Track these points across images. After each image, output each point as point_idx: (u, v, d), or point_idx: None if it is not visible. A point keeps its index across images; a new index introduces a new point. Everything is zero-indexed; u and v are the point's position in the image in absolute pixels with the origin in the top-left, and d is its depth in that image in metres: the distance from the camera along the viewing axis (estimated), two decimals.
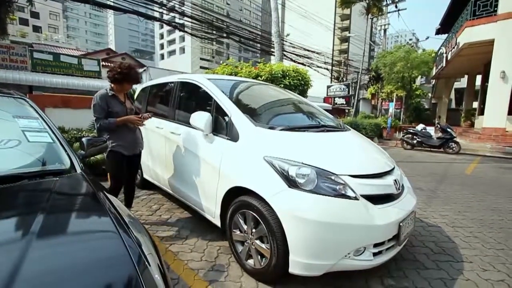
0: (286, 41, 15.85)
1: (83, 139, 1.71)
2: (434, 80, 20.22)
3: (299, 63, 14.71)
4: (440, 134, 9.14)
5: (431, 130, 9.57)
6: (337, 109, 19.41)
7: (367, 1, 14.36)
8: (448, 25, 15.26)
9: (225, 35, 11.99)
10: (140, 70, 16.64)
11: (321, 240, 1.57)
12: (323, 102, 24.42)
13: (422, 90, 21.90)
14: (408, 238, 2.02)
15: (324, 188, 1.64)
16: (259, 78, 5.29)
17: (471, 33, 10.39)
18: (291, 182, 1.65)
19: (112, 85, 2.35)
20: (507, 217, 3.25)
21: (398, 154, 8.77)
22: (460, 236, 2.69)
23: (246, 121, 2.03)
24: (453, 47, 12.12)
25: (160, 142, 3.03)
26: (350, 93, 18.28)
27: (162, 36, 62.82)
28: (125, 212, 1.16)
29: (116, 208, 1.12)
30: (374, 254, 1.69)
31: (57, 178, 1.24)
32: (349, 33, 34.44)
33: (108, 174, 2.45)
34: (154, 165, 3.25)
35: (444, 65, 14.13)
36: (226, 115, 2.16)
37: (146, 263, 0.84)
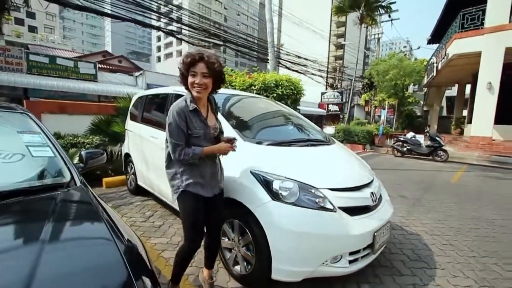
0: (282, 50, 16.14)
1: (82, 153, 1.84)
2: (426, 88, 20.69)
3: (294, 70, 14.99)
4: (429, 142, 9.41)
5: (420, 138, 9.83)
6: (331, 115, 19.72)
7: (360, 11, 14.74)
8: (438, 35, 15.72)
9: (221, 42, 12.16)
10: (136, 74, 16.73)
11: (301, 248, 1.72)
12: (318, 108, 24.79)
13: (415, 98, 22.40)
14: (384, 246, 2.18)
15: (305, 201, 1.79)
16: (253, 87, 5.46)
17: (460, 45, 10.76)
18: (274, 195, 1.79)
19: (193, 94, 1.55)
20: (484, 225, 3.44)
21: (389, 161, 9.00)
22: (437, 244, 2.86)
23: (236, 136, 2.17)
24: (443, 58, 12.50)
25: (155, 151, 3.15)
26: (344, 100, 18.59)
27: (159, 39, 63.00)
28: (119, 221, 1.29)
29: (112, 217, 1.25)
30: (350, 262, 1.84)
31: (59, 192, 1.37)
32: (345, 40, 35.04)
33: (182, 225, 1.71)
34: (148, 172, 3.37)
35: (435, 74, 14.53)
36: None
37: (139, 268, 0.97)
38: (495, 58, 9.85)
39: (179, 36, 11.65)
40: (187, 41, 10.82)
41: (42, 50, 19.91)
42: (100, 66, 16.62)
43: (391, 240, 2.87)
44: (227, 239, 2.11)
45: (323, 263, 1.75)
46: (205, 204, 1.67)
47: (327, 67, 25.80)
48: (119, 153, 5.02)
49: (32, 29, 41.62)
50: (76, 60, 14.96)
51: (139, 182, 3.73)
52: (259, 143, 2.16)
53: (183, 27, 12.28)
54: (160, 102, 3.41)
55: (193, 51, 1.51)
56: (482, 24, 10.39)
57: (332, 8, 16.87)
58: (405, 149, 9.77)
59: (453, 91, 20.31)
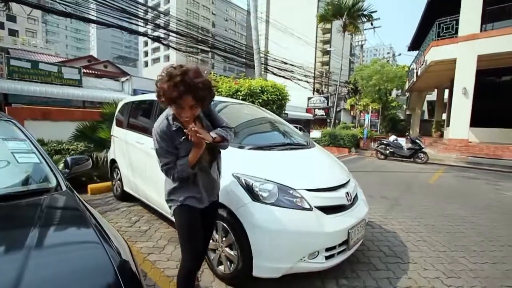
0: (268, 56, 16.44)
1: (68, 159, 1.89)
2: (408, 93, 21.51)
3: (280, 76, 15.28)
4: (410, 145, 9.80)
5: (402, 141, 10.22)
6: (318, 120, 20.13)
7: (343, 20, 15.27)
8: (418, 43, 16.47)
9: (208, 49, 12.28)
10: (123, 79, 16.56)
11: (280, 246, 1.83)
12: (305, 112, 25.23)
13: (398, 102, 23.17)
14: (359, 242, 2.32)
15: (283, 201, 1.91)
16: (239, 93, 5.59)
17: (437, 52, 11.34)
18: (255, 196, 1.90)
19: (172, 110, 1.40)
20: (456, 222, 3.66)
21: (372, 164, 9.30)
22: (412, 241, 3.04)
23: None
24: (422, 64, 13.11)
25: (141, 157, 3.21)
26: (329, 104, 19.05)
27: (146, 44, 62.40)
28: (106, 224, 1.35)
29: (98, 221, 1.31)
30: (327, 257, 1.96)
31: (45, 196, 1.42)
32: (330, 46, 35.96)
33: (180, 243, 1.59)
34: (135, 177, 3.40)
35: (415, 79, 15.18)
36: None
37: (126, 270, 1.02)
38: (469, 64, 10.44)
39: (165, 42, 11.66)
40: (174, 48, 10.85)
41: (23, 54, 19.37)
42: (85, 71, 16.34)
43: (369, 238, 3.03)
44: (211, 240, 2.19)
45: (301, 259, 1.86)
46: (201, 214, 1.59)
47: (314, 73, 26.38)
48: (105, 159, 4.99)
49: (13, 32, 40.32)
50: (60, 65, 14.68)
51: (125, 188, 3.74)
52: (241, 147, 2.28)
53: (171, 33, 12.33)
54: (146, 108, 3.47)
55: (173, 71, 1.31)
56: (456, 32, 11.01)
57: (316, 16, 17.37)
58: (387, 152, 10.12)
59: (433, 96, 21.19)
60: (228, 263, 2.06)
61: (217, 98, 3.92)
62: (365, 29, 20.76)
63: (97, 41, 70.07)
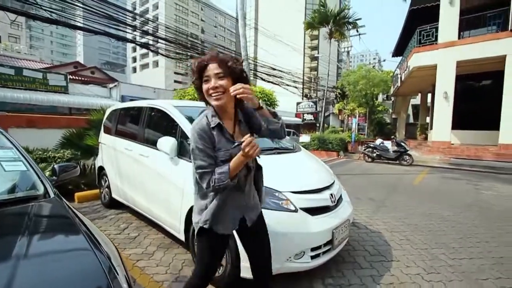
0: (257, 63, 16.67)
1: (55, 166, 1.91)
2: (393, 97, 22.16)
3: (269, 82, 15.49)
4: (396, 148, 10.10)
5: (388, 144, 10.52)
6: (308, 124, 20.44)
7: (329, 27, 15.71)
8: (401, 49, 17.07)
9: (198, 55, 12.34)
10: (110, 85, 16.37)
11: None
12: (295, 117, 25.55)
13: (384, 106, 23.89)
14: (344, 242, 2.41)
15: (270, 204, 1.98)
16: None
17: (418, 59, 11.81)
18: None
19: (212, 104, 1.25)
20: (437, 221, 3.82)
21: (360, 167, 9.52)
22: (395, 240, 3.15)
23: None
24: (406, 70, 13.60)
25: (129, 163, 3.22)
26: (318, 109, 19.41)
27: (134, 49, 61.87)
28: (95, 230, 1.38)
29: (88, 227, 1.34)
30: (312, 257, 2.04)
31: (33, 204, 1.44)
32: (318, 52, 36.72)
33: (196, 260, 1.54)
34: (123, 184, 3.40)
35: (399, 84, 15.70)
36: (189, 140, 2.44)
37: (116, 273, 1.03)
38: (449, 70, 10.92)
39: (153, 49, 11.65)
40: (162, 54, 10.85)
41: (6, 60, 18.86)
42: (71, 77, 16.07)
43: (355, 238, 3.13)
44: None
45: (287, 260, 1.93)
46: (243, 235, 1.47)
47: (303, 78, 26.84)
48: (92, 166, 4.94)
49: None
50: (45, 71, 14.39)
51: (114, 195, 3.72)
52: None
53: (159, 40, 12.34)
54: (135, 115, 3.50)
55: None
56: (436, 40, 11.52)
57: (304, 23, 17.79)
58: (374, 154, 10.39)
59: (417, 100, 21.93)
60: None
61: (203, 104, 3.99)
62: (351, 36, 21.39)
63: (83, 47, 68.95)
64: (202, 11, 62.55)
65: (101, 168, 4.03)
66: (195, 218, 1.36)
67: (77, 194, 4.35)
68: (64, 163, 2.21)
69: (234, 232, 1.79)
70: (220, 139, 1.24)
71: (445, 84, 11.04)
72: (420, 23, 12.36)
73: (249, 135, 1.14)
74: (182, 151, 2.50)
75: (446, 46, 10.92)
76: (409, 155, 9.78)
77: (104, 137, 4.03)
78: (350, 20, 16.18)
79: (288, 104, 24.68)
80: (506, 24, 10.00)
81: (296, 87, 20.82)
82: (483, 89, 12.56)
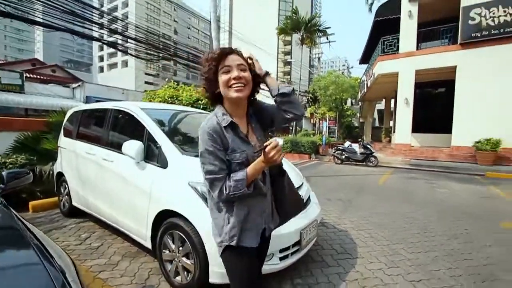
0: None
1: (3, 173, 1.74)
2: (360, 102, 23.43)
3: None
4: (363, 150, 10.65)
5: (356, 146, 11.06)
6: (281, 127, 20.86)
7: (301, 33, 16.25)
8: (367, 57, 18.16)
9: (169, 57, 12.04)
10: (74, 85, 15.34)
11: None
12: None
13: (352, 111, 25.16)
14: (312, 242, 2.48)
15: None
16: (200, 102, 5.58)
17: (382, 67, 12.64)
18: None
19: (232, 96, 1.11)
20: (398, 218, 4.09)
21: (330, 169, 9.89)
22: (361, 238, 3.32)
23: (175, 149, 2.29)
24: (371, 76, 14.48)
25: (92, 168, 3.03)
26: None
27: (101, 48, 58.62)
28: (48, 242, 1.27)
29: (39, 239, 1.23)
30: (281, 258, 2.07)
31: None
32: (291, 57, 37.70)
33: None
34: (85, 191, 3.19)
35: (365, 90, 16.65)
36: (157, 144, 2.38)
37: None
38: (409, 78, 11.82)
39: (121, 48, 11.15)
40: (131, 54, 10.42)
41: None
42: (28, 75, 14.78)
43: (324, 238, 3.24)
44: (168, 251, 2.17)
45: None
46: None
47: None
48: (51, 172, 4.56)
49: None
50: None
51: (74, 203, 3.47)
52: (198, 156, 2.30)
53: (129, 39, 11.84)
54: (99, 118, 3.32)
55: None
56: (398, 49, 12.43)
57: (276, 29, 18.20)
58: (343, 157, 10.86)
59: (382, 105, 23.41)
60: (185, 272, 2.05)
61: (175, 107, 3.90)
62: (322, 43, 22.29)
63: (43, 43, 63.80)
64: (175, 12, 61.23)
65: (60, 174, 3.75)
66: (216, 238, 1.16)
67: (32, 203, 3.99)
68: (15, 169, 2.02)
69: (202, 232, 1.76)
70: (234, 139, 1.11)
71: (406, 91, 11.93)
72: (384, 34, 13.26)
73: (275, 138, 1.01)
74: (149, 155, 2.42)
75: (406, 56, 11.83)
76: (375, 157, 10.37)
77: (64, 141, 3.76)
78: (321, 28, 16.88)
79: None
80: (456, 38, 11.08)
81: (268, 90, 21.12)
82: (439, 96, 13.76)
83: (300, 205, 1.35)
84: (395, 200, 5.24)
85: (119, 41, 15.44)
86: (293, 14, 16.59)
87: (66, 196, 3.65)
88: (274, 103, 1.24)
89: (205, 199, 1.96)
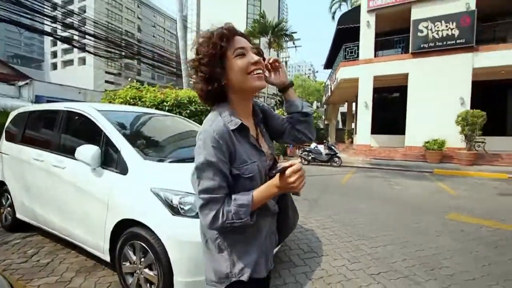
0: None
1: None
2: (325, 105, 24.55)
3: None
4: (327, 151, 11.14)
5: (321, 147, 11.54)
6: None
7: (268, 37, 16.58)
8: (331, 62, 19.12)
9: (132, 55, 11.43)
10: (20, 83, 13.80)
11: (201, 257, 1.83)
12: None
13: (318, 113, 26.21)
14: (280, 244, 2.51)
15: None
16: (165, 103, 5.38)
17: (344, 72, 13.39)
18: (175, 210, 1.87)
19: (254, 85, 0.88)
20: (360, 215, 4.34)
21: None
22: (326, 236, 3.45)
23: (135, 154, 2.16)
24: (334, 81, 15.25)
25: (40, 176, 2.74)
26: None
27: (55, 43, 53.61)
28: None
29: None
30: None
31: None
32: None
33: None
34: (32, 202, 2.87)
35: (329, 94, 17.50)
36: (116, 148, 2.22)
37: None
38: (368, 83, 12.68)
39: (78, 45, 10.31)
40: (89, 52, 9.69)
41: None
42: None
43: (292, 239, 3.30)
44: (128, 263, 2.03)
45: None
46: None
47: None
48: None
49: None
50: None
51: (19, 215, 3.10)
52: (161, 160, 2.21)
53: (87, 36, 10.98)
54: (48, 120, 3.02)
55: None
56: (358, 56, 13.27)
57: (245, 32, 18.32)
58: (310, 157, 11.26)
59: (345, 108, 24.78)
60: (148, 285, 1.94)
61: (139, 109, 3.70)
62: (289, 47, 22.96)
63: None
64: (139, 9, 58.43)
65: (1, 184, 3.32)
66: (214, 275, 0.90)
67: None
68: None
69: (166, 240, 1.67)
70: (244, 147, 0.87)
71: (365, 95, 12.77)
72: (346, 41, 14.07)
73: (299, 160, 0.82)
74: (107, 161, 2.25)
75: (365, 62, 12.69)
76: (339, 157, 10.91)
77: (6, 146, 3.35)
78: (287, 32, 17.40)
79: None
80: (408, 48, 12.17)
81: None
82: (394, 101, 14.95)
83: (297, 221, 1.17)
84: (357, 198, 5.55)
85: (76, 37, 14.27)
86: (261, 18, 16.87)
87: (9, 208, 3.25)
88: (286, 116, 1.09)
89: (169, 206, 1.88)
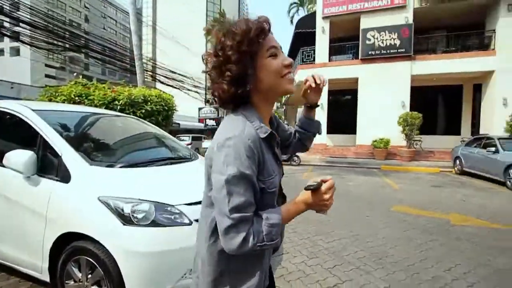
0: (156, 64, 15.56)
1: None
2: (284, 106, 25.35)
3: (169, 85, 14.73)
4: None
5: None
6: (210, 129, 20.60)
7: None
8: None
9: (76, 48, 10.34)
10: None
11: (157, 268, 1.73)
12: (198, 122, 25.25)
13: (278, 114, 26.96)
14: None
15: (161, 220, 1.82)
16: (116, 102, 4.97)
17: (302, 75, 13.96)
18: (126, 220, 1.73)
19: (286, 89, 0.81)
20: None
21: None
22: (286, 234, 3.54)
23: (80, 159, 1.95)
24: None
25: None
26: (220, 115, 19.95)
27: None
28: None
29: None
30: None
31: None
32: None
33: None
34: None
35: (288, 96, 18.08)
36: (56, 153, 1.98)
37: None
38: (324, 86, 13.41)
39: (9, 33, 8.98)
40: (25, 42, 8.51)
41: None
42: None
43: None
44: (72, 282, 1.83)
45: (182, 277, 1.82)
46: None
47: (205, 84, 26.97)
48: None
49: None
50: None
51: None
52: (111, 166, 2.03)
53: (21, 23, 9.58)
54: None
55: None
56: (314, 60, 13.98)
57: (203, 29, 17.92)
58: None
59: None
60: None
61: (86, 108, 3.35)
62: None
63: None
64: None
65: None
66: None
67: None
68: None
69: (116, 253, 1.54)
70: (270, 158, 0.79)
71: (321, 97, 13.49)
72: (303, 44, 14.70)
73: (331, 177, 0.79)
74: (45, 168, 1.99)
75: (321, 66, 13.42)
76: (297, 156, 11.35)
77: None
78: None
79: (192, 109, 24.18)
80: (358, 54, 13.20)
81: (198, 92, 20.67)
82: (347, 102, 16.07)
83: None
84: None
85: (6, 24, 12.40)
86: (221, 17, 16.66)
87: None
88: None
89: (119, 215, 1.73)
